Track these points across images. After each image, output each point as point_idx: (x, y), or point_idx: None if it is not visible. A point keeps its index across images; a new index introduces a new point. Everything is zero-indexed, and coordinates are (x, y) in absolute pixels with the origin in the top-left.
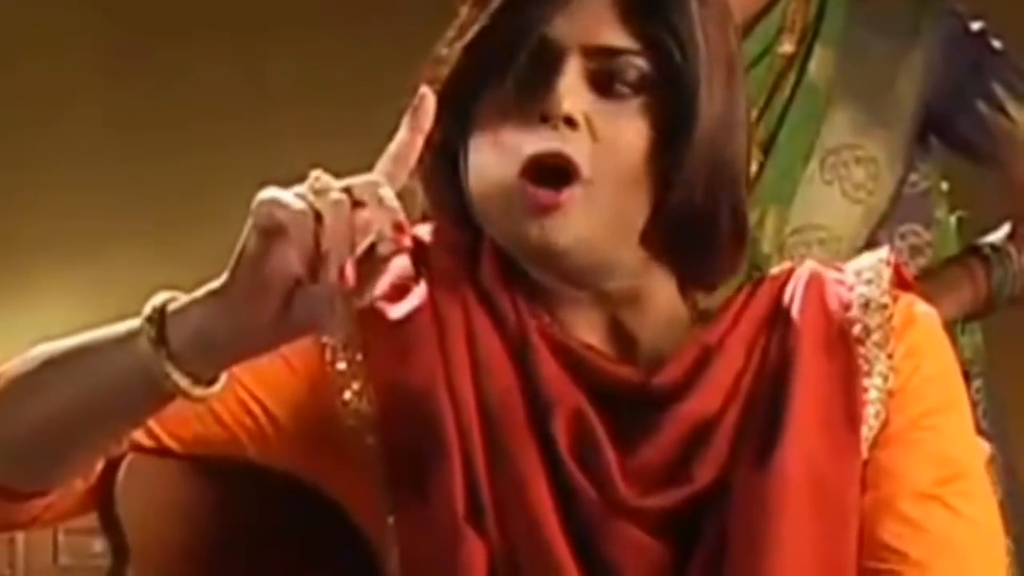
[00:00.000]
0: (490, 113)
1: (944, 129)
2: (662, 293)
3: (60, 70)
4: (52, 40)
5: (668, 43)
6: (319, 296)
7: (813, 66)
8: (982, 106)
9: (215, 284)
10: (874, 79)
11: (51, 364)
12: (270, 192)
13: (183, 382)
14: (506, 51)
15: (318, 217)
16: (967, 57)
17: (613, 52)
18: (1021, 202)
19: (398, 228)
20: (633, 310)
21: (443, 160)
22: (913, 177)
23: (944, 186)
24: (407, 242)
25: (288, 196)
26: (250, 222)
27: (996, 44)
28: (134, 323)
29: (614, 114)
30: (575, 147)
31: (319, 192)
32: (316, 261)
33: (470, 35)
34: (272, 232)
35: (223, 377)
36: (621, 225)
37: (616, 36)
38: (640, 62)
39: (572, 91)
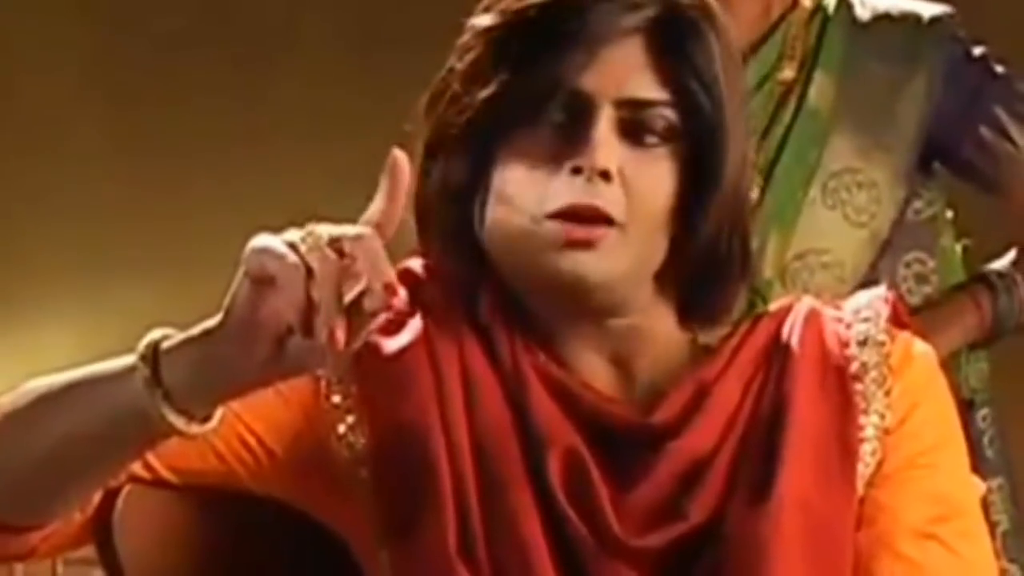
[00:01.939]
0: (516, 157)
1: (948, 155)
2: (662, 328)
3: (60, 95)
4: (51, 64)
5: (698, 94)
6: (310, 344)
7: (813, 92)
8: (985, 131)
9: (210, 323)
10: (875, 104)
11: (46, 399)
12: (262, 240)
13: (177, 421)
14: (535, 104)
15: (309, 271)
16: (969, 82)
17: (644, 104)
18: None
19: (389, 288)
20: (633, 345)
21: (450, 197)
22: (918, 204)
23: (949, 214)
24: (395, 300)
25: (280, 246)
26: (242, 269)
27: (999, 69)
28: (129, 360)
29: (644, 164)
30: (609, 199)
31: (311, 247)
32: (307, 314)
33: (494, 86)
34: (263, 282)
35: (218, 414)
36: (644, 265)
37: (646, 88)
38: (669, 113)
39: (605, 143)
